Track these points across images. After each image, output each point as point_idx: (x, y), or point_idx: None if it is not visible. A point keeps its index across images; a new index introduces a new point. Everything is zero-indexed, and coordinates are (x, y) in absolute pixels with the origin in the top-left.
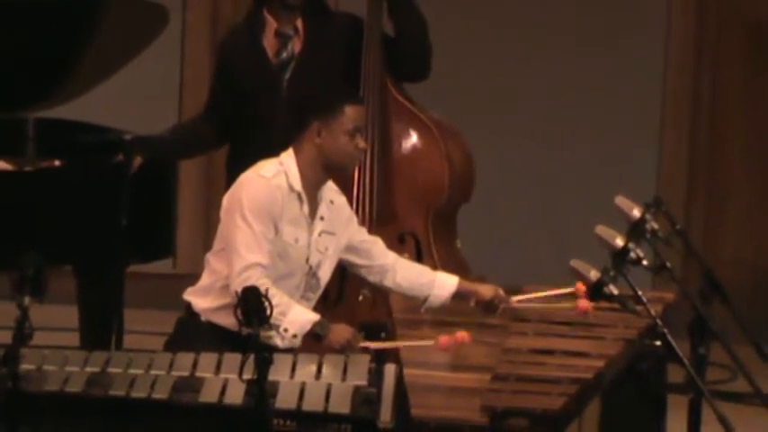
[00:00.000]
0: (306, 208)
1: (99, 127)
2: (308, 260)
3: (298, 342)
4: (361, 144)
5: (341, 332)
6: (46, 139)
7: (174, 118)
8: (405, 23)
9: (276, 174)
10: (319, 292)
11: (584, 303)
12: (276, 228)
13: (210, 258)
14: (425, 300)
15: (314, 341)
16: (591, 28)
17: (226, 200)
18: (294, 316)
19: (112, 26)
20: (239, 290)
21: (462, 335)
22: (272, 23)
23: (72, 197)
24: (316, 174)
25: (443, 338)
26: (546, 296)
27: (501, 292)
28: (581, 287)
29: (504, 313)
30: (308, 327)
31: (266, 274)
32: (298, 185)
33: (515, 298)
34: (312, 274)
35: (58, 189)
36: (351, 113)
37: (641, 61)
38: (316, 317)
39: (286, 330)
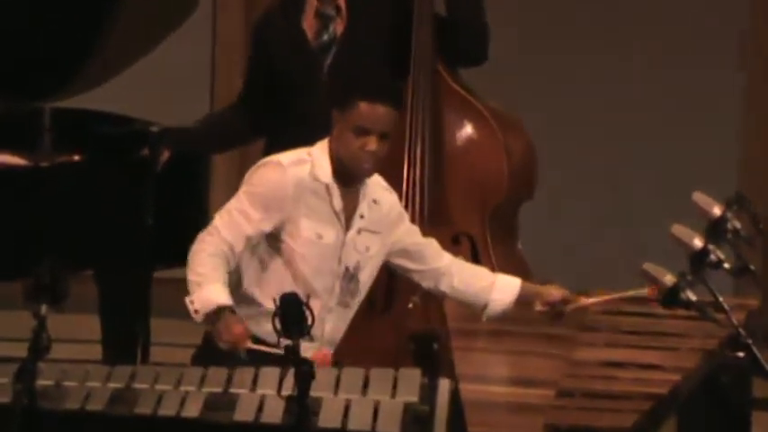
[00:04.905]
0: (337, 202)
1: (122, 117)
2: (340, 261)
3: (199, 318)
4: (370, 146)
5: (231, 329)
6: (63, 131)
7: (205, 107)
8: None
9: (297, 162)
10: (359, 298)
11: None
12: (282, 222)
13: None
14: (485, 306)
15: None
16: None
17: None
18: (206, 292)
19: (138, 6)
20: (277, 299)
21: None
22: (312, 3)
23: (92, 195)
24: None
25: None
26: (615, 299)
27: (569, 294)
28: (653, 291)
29: (572, 321)
30: (211, 308)
31: (226, 255)
32: (327, 177)
33: (583, 299)
34: (350, 277)
35: (77, 186)
36: (364, 111)
37: (720, 46)
38: (223, 302)
39: (192, 302)
